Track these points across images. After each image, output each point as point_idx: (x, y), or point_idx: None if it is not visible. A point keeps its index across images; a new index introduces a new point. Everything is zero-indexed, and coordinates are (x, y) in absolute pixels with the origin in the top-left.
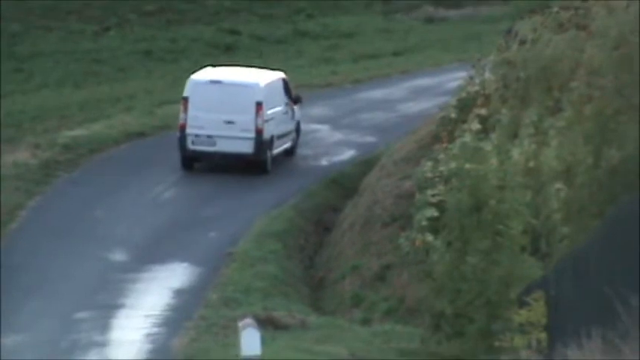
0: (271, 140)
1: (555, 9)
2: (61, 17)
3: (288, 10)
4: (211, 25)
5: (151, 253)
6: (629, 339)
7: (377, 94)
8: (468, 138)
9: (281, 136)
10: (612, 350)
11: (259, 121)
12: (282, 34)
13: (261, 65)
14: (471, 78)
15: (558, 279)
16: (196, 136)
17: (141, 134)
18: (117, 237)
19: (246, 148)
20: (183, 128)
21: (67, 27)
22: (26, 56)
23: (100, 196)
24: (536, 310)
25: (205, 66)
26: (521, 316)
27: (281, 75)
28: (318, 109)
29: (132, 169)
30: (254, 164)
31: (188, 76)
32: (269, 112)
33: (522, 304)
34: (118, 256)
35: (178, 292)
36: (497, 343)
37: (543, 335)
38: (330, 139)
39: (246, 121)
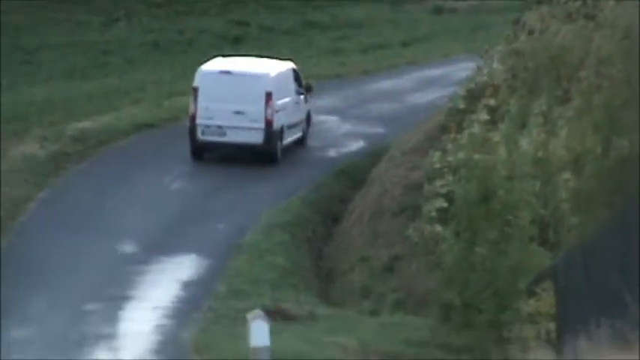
0: (281, 131)
1: None
2: (68, 9)
3: (297, 0)
4: (219, 16)
5: (160, 245)
6: (638, 328)
7: (385, 84)
8: (476, 128)
9: (291, 127)
10: (621, 339)
11: (269, 112)
12: (290, 25)
13: (270, 56)
14: (480, 68)
15: (567, 269)
16: (206, 126)
17: (149, 126)
18: (125, 229)
19: (256, 138)
20: (193, 118)
21: (75, 18)
22: (33, 48)
23: (109, 187)
24: (545, 301)
25: (215, 56)
26: (530, 306)
27: (291, 65)
28: (326, 100)
29: (140, 160)
30: (264, 155)
31: (196, 68)
32: (279, 102)
33: (531, 294)
34: (127, 247)
35: (187, 284)
36: (506, 334)
37: (552, 325)
38: (339, 130)
39: (255, 111)
